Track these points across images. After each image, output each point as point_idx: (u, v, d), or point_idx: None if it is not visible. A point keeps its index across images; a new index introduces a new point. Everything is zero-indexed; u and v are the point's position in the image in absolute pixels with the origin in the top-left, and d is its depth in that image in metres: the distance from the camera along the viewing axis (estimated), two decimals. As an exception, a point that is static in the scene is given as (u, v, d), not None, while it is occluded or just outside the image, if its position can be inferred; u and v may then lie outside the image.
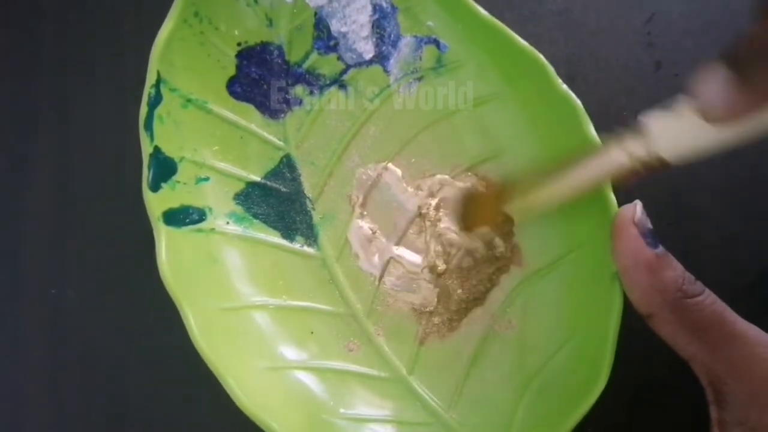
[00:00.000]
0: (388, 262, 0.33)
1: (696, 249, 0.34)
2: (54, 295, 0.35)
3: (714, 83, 0.19)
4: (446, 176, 0.33)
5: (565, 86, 0.30)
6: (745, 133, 0.21)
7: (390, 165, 0.33)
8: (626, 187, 0.28)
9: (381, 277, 0.33)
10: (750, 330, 0.25)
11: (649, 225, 0.26)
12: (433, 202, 0.33)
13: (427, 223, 0.33)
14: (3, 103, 0.37)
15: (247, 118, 0.33)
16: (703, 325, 0.25)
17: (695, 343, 0.25)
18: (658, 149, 0.23)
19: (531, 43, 0.30)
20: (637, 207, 0.26)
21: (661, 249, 0.26)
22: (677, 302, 0.25)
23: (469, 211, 0.32)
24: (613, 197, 0.29)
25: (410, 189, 0.33)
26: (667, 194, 0.34)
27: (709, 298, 0.25)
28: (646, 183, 0.34)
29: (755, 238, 0.34)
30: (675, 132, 0.22)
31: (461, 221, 0.33)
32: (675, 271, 0.26)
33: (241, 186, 0.33)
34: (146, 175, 0.30)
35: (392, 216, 0.33)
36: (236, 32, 0.32)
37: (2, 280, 0.35)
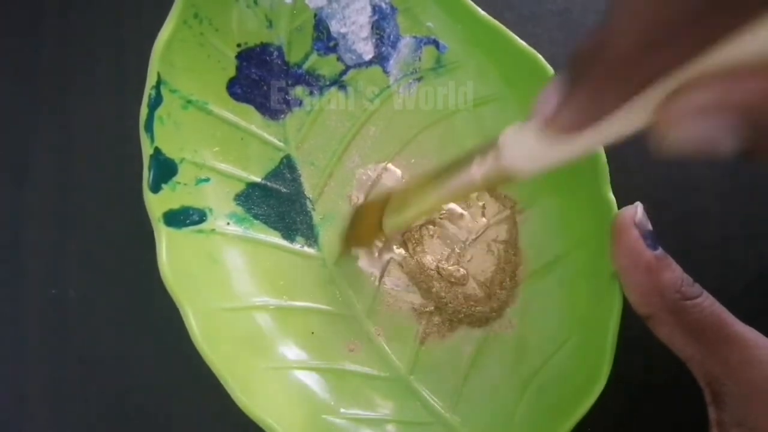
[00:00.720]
0: (388, 262, 0.33)
1: (696, 249, 0.34)
2: (54, 295, 0.35)
3: (547, 94, 0.19)
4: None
5: (564, 87, 0.30)
6: (581, 148, 0.20)
7: (390, 165, 0.33)
8: (620, 190, 0.28)
9: (381, 276, 0.33)
10: (747, 332, 0.25)
11: (650, 226, 0.26)
12: None
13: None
14: (3, 103, 0.37)
15: (248, 119, 0.33)
16: (701, 327, 0.25)
17: (693, 345, 0.25)
18: (504, 163, 0.22)
19: (531, 44, 0.30)
20: (638, 208, 0.27)
21: (660, 251, 0.26)
22: (676, 304, 0.25)
23: (353, 229, 0.32)
24: (612, 198, 0.29)
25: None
26: (667, 194, 0.34)
27: (707, 300, 0.26)
28: (646, 183, 0.34)
29: (755, 238, 0.34)
30: (520, 146, 0.22)
31: (343, 242, 0.33)
32: (674, 272, 0.26)
33: (242, 187, 0.33)
34: (147, 176, 0.30)
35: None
36: (236, 33, 0.32)
37: (2, 280, 0.35)
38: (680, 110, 0.16)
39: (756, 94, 0.15)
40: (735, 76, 0.15)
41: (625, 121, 0.18)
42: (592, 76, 0.17)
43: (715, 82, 0.15)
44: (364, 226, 0.31)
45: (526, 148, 0.21)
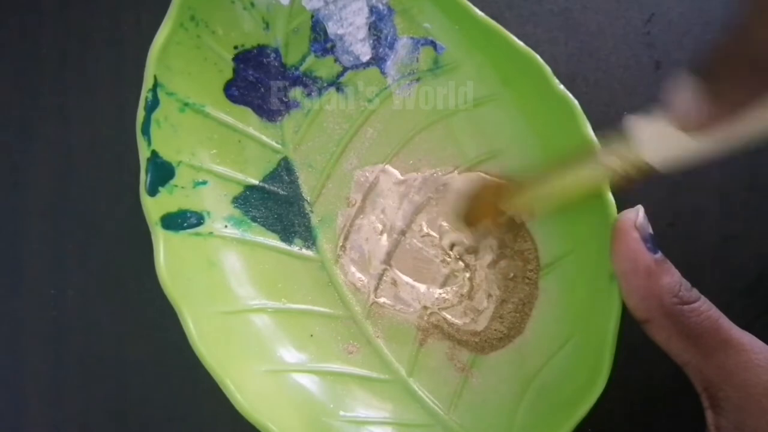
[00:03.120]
0: (381, 275, 0.33)
1: (696, 249, 0.34)
2: (54, 295, 0.35)
3: (686, 94, 0.19)
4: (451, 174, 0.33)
5: (562, 86, 0.30)
6: (722, 143, 0.21)
7: (388, 167, 0.33)
8: (626, 192, 0.28)
9: (376, 288, 0.33)
10: (744, 337, 0.25)
11: (650, 230, 0.26)
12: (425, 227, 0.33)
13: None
14: (3, 103, 0.37)
15: (245, 121, 0.33)
16: (698, 332, 0.25)
17: (690, 350, 0.25)
18: (644, 155, 0.23)
19: (530, 44, 0.30)
20: (639, 212, 0.27)
21: (660, 255, 0.26)
22: (673, 308, 0.25)
23: (471, 207, 0.32)
24: (611, 198, 0.29)
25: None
26: (667, 194, 0.34)
27: (704, 305, 0.26)
28: (646, 183, 0.34)
29: (755, 238, 0.34)
30: (657, 139, 0.23)
31: (463, 218, 0.32)
32: (672, 277, 0.26)
33: (239, 189, 0.33)
34: (144, 179, 0.30)
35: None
36: (233, 36, 0.32)
37: (2, 280, 0.35)
38: None
39: None
40: None
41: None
42: (735, 71, 0.17)
43: None
44: (482, 205, 0.31)
45: (664, 141, 0.22)
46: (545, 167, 0.29)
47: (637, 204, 0.27)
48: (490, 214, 0.32)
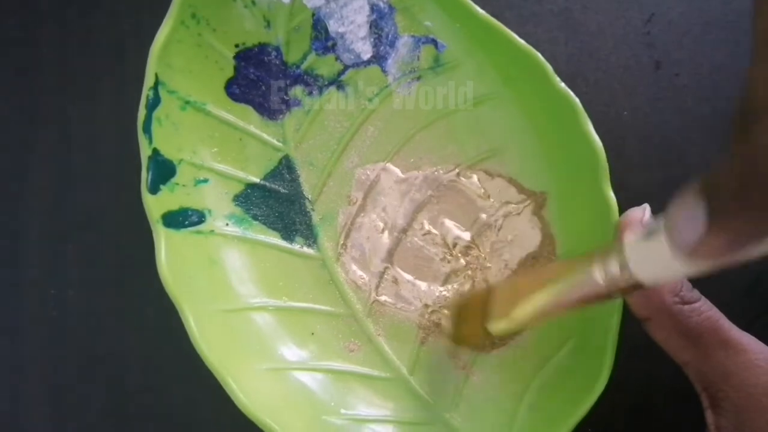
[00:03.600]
0: (382, 273, 0.33)
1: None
2: (54, 295, 0.35)
3: (688, 217, 0.18)
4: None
5: (563, 84, 0.30)
6: (722, 265, 0.19)
7: (389, 165, 0.33)
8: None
9: (377, 286, 0.33)
10: (744, 337, 0.25)
11: None
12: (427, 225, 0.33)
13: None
14: (3, 103, 0.36)
15: (246, 119, 0.33)
16: (698, 332, 0.25)
17: (690, 349, 0.26)
18: (638, 276, 0.22)
19: (531, 43, 0.30)
20: (645, 210, 0.27)
21: None
22: (674, 307, 0.26)
23: (459, 325, 0.31)
24: (612, 197, 0.29)
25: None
26: (667, 194, 0.34)
27: (705, 305, 0.26)
28: (647, 183, 0.34)
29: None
30: (652, 258, 0.21)
31: (452, 335, 0.31)
32: None
33: (241, 187, 0.33)
34: (145, 177, 0.29)
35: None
36: (234, 33, 0.32)
37: (2, 280, 0.35)
38: None
39: None
40: None
41: None
42: (746, 205, 0.16)
43: None
44: (469, 325, 0.30)
45: (659, 263, 0.20)
46: (526, 284, 0.27)
47: (642, 203, 0.27)
48: (478, 336, 0.30)
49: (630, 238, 0.22)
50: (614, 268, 0.22)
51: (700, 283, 0.26)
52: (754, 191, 0.15)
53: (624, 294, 0.24)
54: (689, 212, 0.18)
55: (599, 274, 0.23)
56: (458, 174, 0.33)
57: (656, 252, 0.20)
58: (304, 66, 0.33)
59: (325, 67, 0.33)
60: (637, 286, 0.22)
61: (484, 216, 0.33)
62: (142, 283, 0.34)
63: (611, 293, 0.23)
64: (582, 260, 0.24)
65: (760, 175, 0.15)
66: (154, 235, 0.29)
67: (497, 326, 0.27)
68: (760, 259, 0.18)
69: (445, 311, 0.32)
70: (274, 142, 0.33)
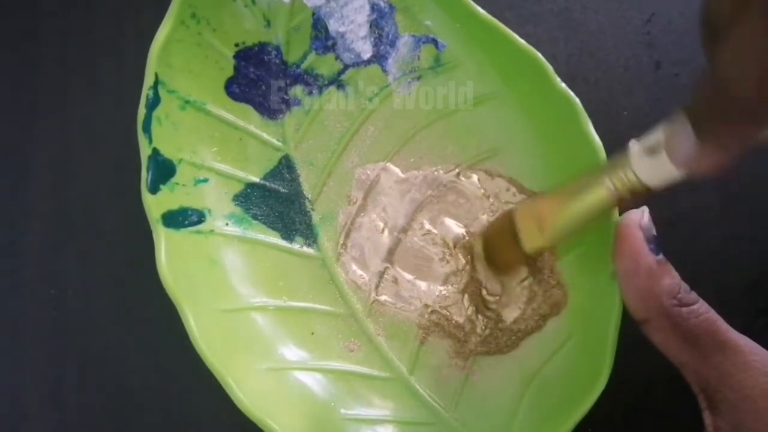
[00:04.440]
0: (383, 272, 0.33)
1: (696, 249, 0.34)
2: (54, 295, 0.35)
3: (682, 137, 0.20)
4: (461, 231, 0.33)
5: (563, 84, 0.30)
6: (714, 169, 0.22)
7: (389, 165, 0.33)
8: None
9: (377, 285, 0.33)
10: (741, 339, 0.25)
11: (654, 232, 0.27)
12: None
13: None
14: (3, 103, 0.37)
15: (246, 119, 0.33)
16: (695, 334, 0.26)
17: (688, 351, 0.26)
18: (645, 180, 0.24)
19: (531, 43, 0.30)
20: (644, 213, 0.27)
21: (661, 257, 0.26)
22: (672, 309, 0.26)
23: (494, 257, 0.32)
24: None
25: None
26: (667, 194, 0.34)
27: (702, 308, 0.26)
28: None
29: (755, 238, 0.34)
30: (657, 169, 0.23)
31: (492, 268, 0.32)
32: (673, 279, 0.26)
33: (241, 187, 0.33)
34: (145, 177, 0.29)
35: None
36: (234, 33, 0.32)
37: (2, 280, 0.35)
38: None
39: None
40: None
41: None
42: (724, 118, 0.17)
43: None
44: (505, 251, 0.31)
45: (664, 172, 0.23)
46: (550, 203, 0.29)
47: (641, 205, 0.27)
48: (515, 258, 0.31)
49: (635, 153, 0.25)
50: (625, 178, 0.25)
51: (699, 283, 0.26)
52: (729, 110, 0.17)
53: (636, 198, 0.26)
54: (682, 133, 0.19)
55: (612, 184, 0.25)
56: (458, 174, 0.33)
57: (660, 165, 0.23)
58: (304, 65, 0.33)
59: (326, 66, 0.33)
60: (647, 190, 0.25)
61: (484, 216, 0.33)
62: (142, 283, 0.34)
63: (624, 199, 0.26)
64: (595, 174, 0.26)
65: (731, 95, 0.16)
66: (154, 235, 0.29)
67: (533, 245, 0.29)
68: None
69: (477, 246, 0.32)
70: (274, 141, 0.33)
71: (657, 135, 0.24)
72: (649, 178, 0.24)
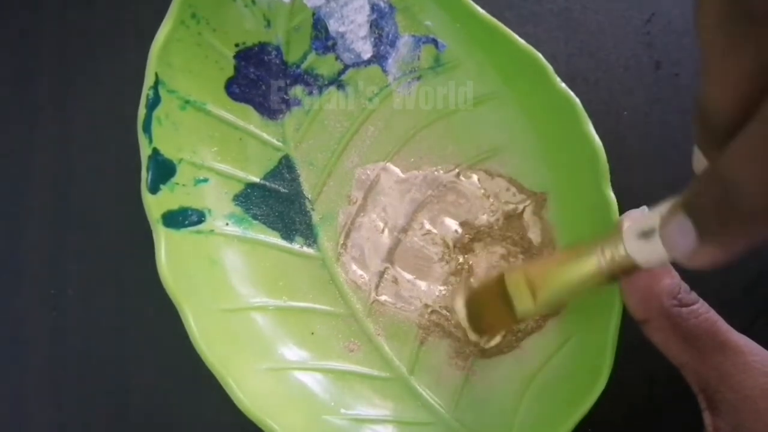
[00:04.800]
0: (383, 272, 0.33)
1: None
2: (54, 295, 0.35)
3: (680, 231, 0.19)
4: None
5: (563, 84, 0.30)
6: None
7: (389, 165, 0.33)
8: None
9: (377, 285, 0.33)
10: (741, 339, 0.25)
11: None
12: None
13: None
14: (3, 103, 0.37)
15: (246, 119, 0.33)
16: (695, 334, 0.26)
17: (687, 351, 0.26)
18: (635, 261, 0.24)
19: (531, 43, 0.30)
20: (644, 211, 0.27)
21: None
22: (672, 309, 0.26)
23: (481, 315, 0.31)
24: (612, 197, 0.29)
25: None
26: (667, 194, 0.34)
27: (702, 308, 0.26)
28: (646, 183, 0.34)
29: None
30: (650, 252, 0.23)
31: (474, 328, 0.32)
32: (672, 279, 0.26)
33: (241, 187, 0.33)
34: (145, 177, 0.30)
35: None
36: (234, 33, 0.32)
37: (2, 280, 0.35)
38: None
39: None
40: None
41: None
42: (727, 226, 0.17)
43: None
44: (491, 313, 0.30)
45: (657, 257, 0.22)
46: (545, 262, 0.29)
47: (641, 204, 0.27)
48: (502, 322, 0.31)
49: (628, 234, 0.24)
50: (617, 255, 0.24)
51: (699, 283, 0.26)
52: (730, 217, 0.16)
53: (626, 275, 0.25)
54: (681, 227, 0.19)
55: (603, 260, 0.25)
56: (458, 174, 0.33)
57: (654, 250, 0.22)
58: (304, 65, 0.33)
59: (326, 66, 0.33)
60: (636, 268, 0.24)
61: (484, 216, 0.33)
62: (142, 283, 0.34)
63: (614, 275, 0.25)
64: (587, 247, 0.26)
65: (743, 206, 0.16)
66: (154, 234, 0.29)
67: (525, 310, 0.28)
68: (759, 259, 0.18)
69: (458, 303, 0.32)
70: (274, 141, 0.33)
71: (652, 220, 0.22)
72: (642, 259, 0.24)
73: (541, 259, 0.30)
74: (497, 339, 0.32)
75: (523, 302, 0.28)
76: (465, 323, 0.32)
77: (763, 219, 0.16)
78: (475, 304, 0.31)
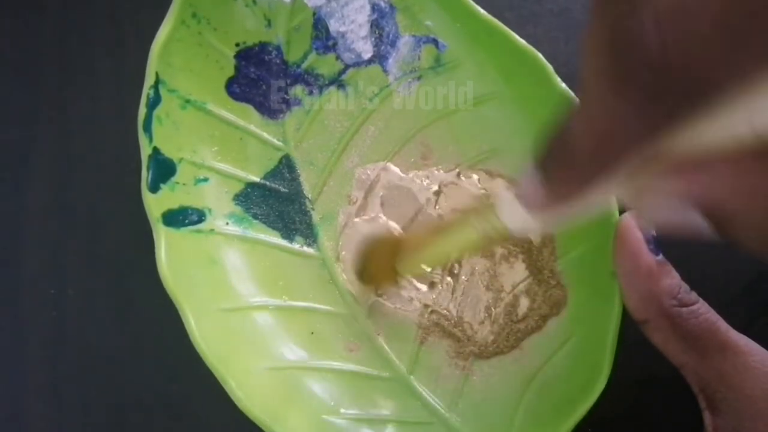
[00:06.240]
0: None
1: (696, 249, 0.34)
2: (54, 295, 0.35)
3: (529, 183, 0.20)
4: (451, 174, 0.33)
5: (563, 84, 0.30)
6: (555, 222, 0.22)
7: (389, 165, 0.33)
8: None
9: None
10: (741, 340, 0.25)
11: (653, 232, 0.27)
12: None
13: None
14: (3, 103, 0.37)
15: (246, 118, 0.33)
16: (695, 334, 0.26)
17: (687, 352, 0.26)
18: (506, 223, 0.25)
19: (531, 43, 0.31)
20: None
21: (661, 257, 0.27)
22: (672, 310, 0.26)
23: (367, 264, 0.32)
24: (613, 197, 0.29)
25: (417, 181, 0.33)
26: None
27: (702, 308, 0.26)
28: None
29: (755, 237, 0.34)
30: (513, 212, 0.24)
31: (359, 274, 0.33)
32: (672, 279, 0.26)
33: (241, 187, 0.33)
34: (145, 176, 0.30)
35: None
36: (234, 33, 0.32)
37: (2, 280, 0.35)
38: (648, 197, 0.17)
39: (708, 188, 0.15)
40: (692, 168, 0.15)
41: (595, 197, 0.19)
42: (561, 169, 0.18)
43: (677, 172, 0.16)
44: (377, 266, 0.32)
45: (517, 215, 0.23)
46: (432, 231, 0.30)
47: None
48: (386, 274, 0.32)
49: (500, 198, 0.25)
50: (487, 218, 0.25)
51: (699, 284, 0.26)
52: (565, 160, 0.18)
53: (504, 240, 0.28)
54: (530, 179, 0.20)
55: (480, 226, 0.26)
56: (458, 174, 0.33)
57: (517, 209, 0.23)
58: (304, 65, 0.33)
59: (326, 66, 0.33)
60: (503, 234, 0.25)
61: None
62: (142, 282, 0.34)
63: (492, 240, 0.26)
64: (467, 214, 0.27)
65: (567, 147, 0.17)
66: (154, 234, 0.29)
67: (404, 266, 0.31)
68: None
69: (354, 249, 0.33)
70: (275, 141, 0.33)
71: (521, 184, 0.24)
72: (510, 222, 0.24)
73: (430, 227, 0.31)
74: (372, 297, 0.33)
75: (407, 265, 0.31)
76: (352, 267, 0.33)
77: (591, 160, 0.17)
78: (368, 254, 0.32)
